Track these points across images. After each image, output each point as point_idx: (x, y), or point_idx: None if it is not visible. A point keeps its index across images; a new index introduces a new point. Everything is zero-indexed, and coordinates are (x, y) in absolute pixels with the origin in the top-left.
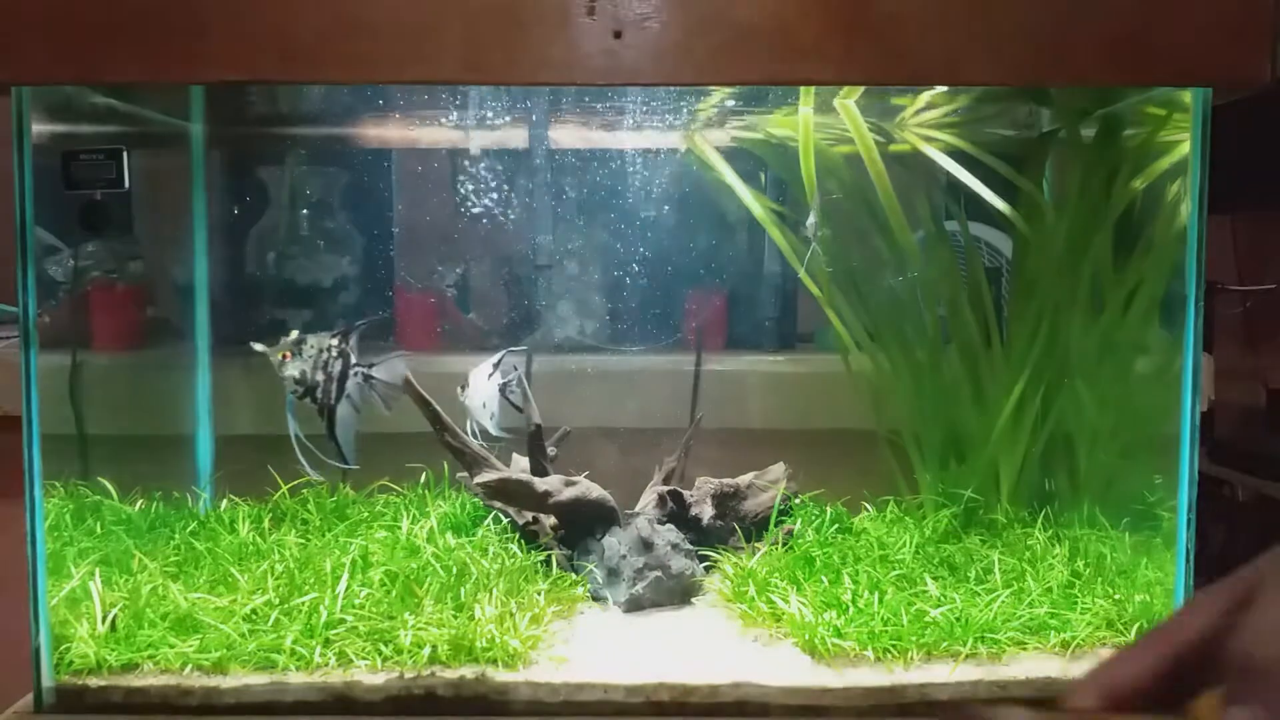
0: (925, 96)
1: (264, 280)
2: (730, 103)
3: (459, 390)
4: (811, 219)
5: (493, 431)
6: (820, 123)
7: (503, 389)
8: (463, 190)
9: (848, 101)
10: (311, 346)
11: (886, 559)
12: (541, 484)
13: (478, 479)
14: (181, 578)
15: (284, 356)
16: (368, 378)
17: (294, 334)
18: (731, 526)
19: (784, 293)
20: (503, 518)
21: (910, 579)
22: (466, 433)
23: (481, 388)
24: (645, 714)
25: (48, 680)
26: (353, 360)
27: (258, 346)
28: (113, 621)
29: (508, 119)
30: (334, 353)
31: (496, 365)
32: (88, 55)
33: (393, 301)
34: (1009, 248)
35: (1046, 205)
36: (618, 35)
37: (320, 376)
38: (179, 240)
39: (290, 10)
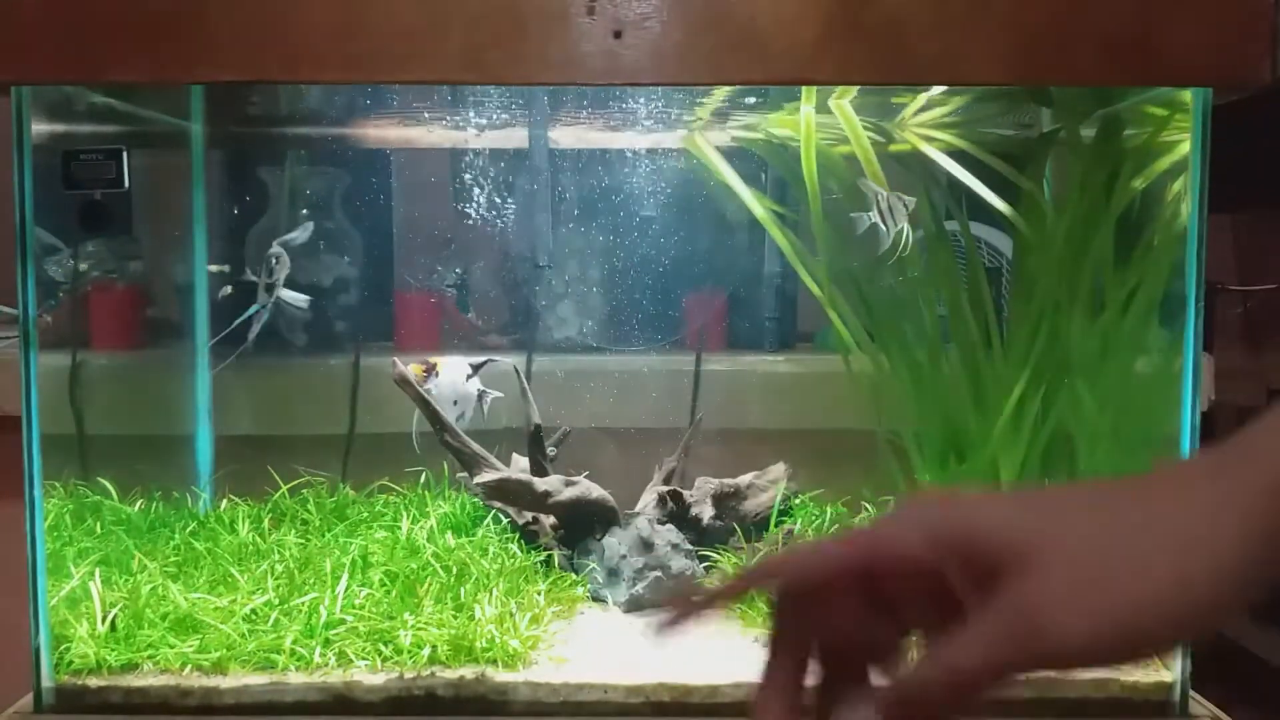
0: (925, 96)
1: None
2: (731, 102)
3: (414, 370)
4: (896, 198)
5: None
6: (821, 122)
7: (480, 395)
8: (462, 190)
9: (842, 101)
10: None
11: None
12: (541, 484)
13: (477, 479)
14: (181, 578)
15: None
16: (277, 300)
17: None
18: (731, 526)
19: (783, 293)
20: (502, 518)
21: None
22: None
23: (457, 385)
24: (645, 714)
25: (47, 680)
26: (275, 278)
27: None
28: (112, 621)
29: (507, 119)
30: (268, 266)
31: (477, 369)
32: (89, 55)
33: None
34: (1009, 247)
35: (1047, 205)
36: (618, 35)
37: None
38: (179, 240)
39: (291, 10)
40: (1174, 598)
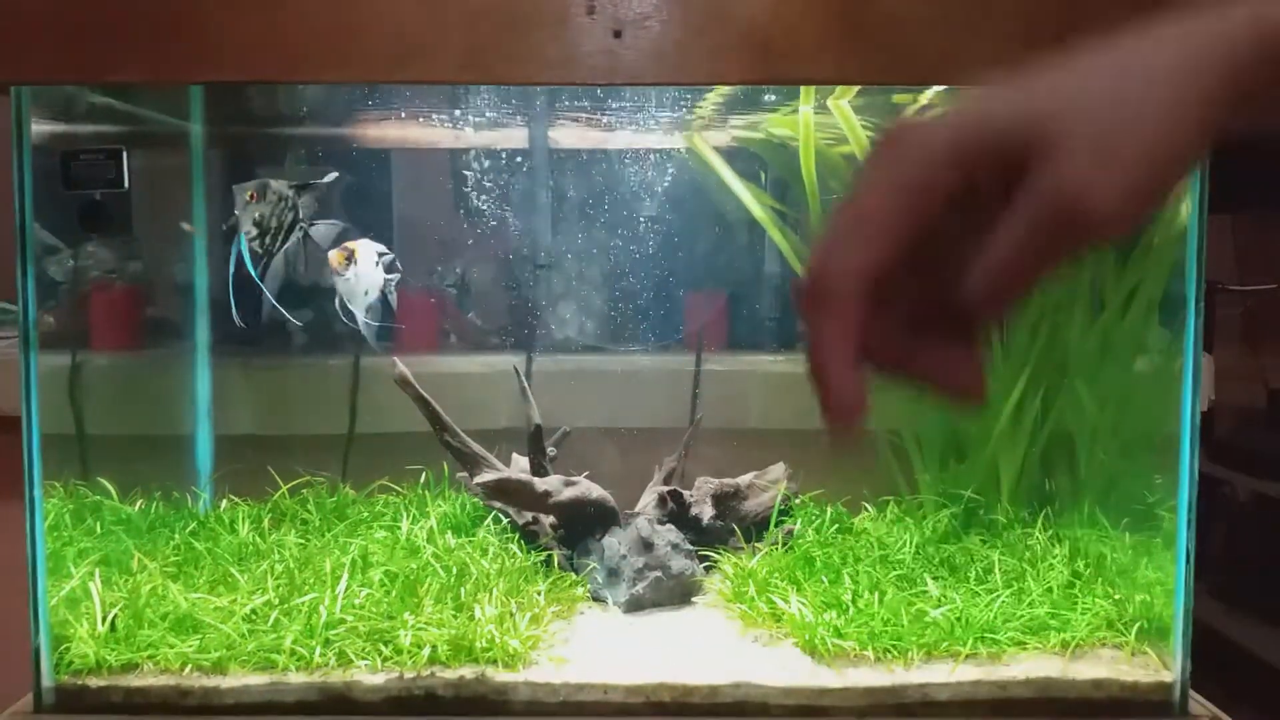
0: (926, 96)
1: (264, 280)
2: (746, 100)
3: (335, 257)
4: None
5: (361, 319)
6: (821, 122)
7: (385, 287)
8: (462, 190)
9: (840, 101)
10: (274, 193)
11: (887, 559)
12: (541, 484)
13: (477, 479)
14: (181, 578)
15: (250, 197)
16: (306, 234)
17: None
18: (731, 526)
19: (783, 293)
20: (502, 518)
21: (910, 579)
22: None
23: (371, 273)
24: (645, 714)
25: (47, 680)
26: (300, 215)
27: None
28: (112, 621)
29: (507, 119)
30: (289, 204)
31: (382, 256)
32: (89, 55)
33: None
34: None
35: None
36: (617, 35)
37: (274, 224)
38: (179, 240)
39: (290, 10)
40: (1177, 132)
